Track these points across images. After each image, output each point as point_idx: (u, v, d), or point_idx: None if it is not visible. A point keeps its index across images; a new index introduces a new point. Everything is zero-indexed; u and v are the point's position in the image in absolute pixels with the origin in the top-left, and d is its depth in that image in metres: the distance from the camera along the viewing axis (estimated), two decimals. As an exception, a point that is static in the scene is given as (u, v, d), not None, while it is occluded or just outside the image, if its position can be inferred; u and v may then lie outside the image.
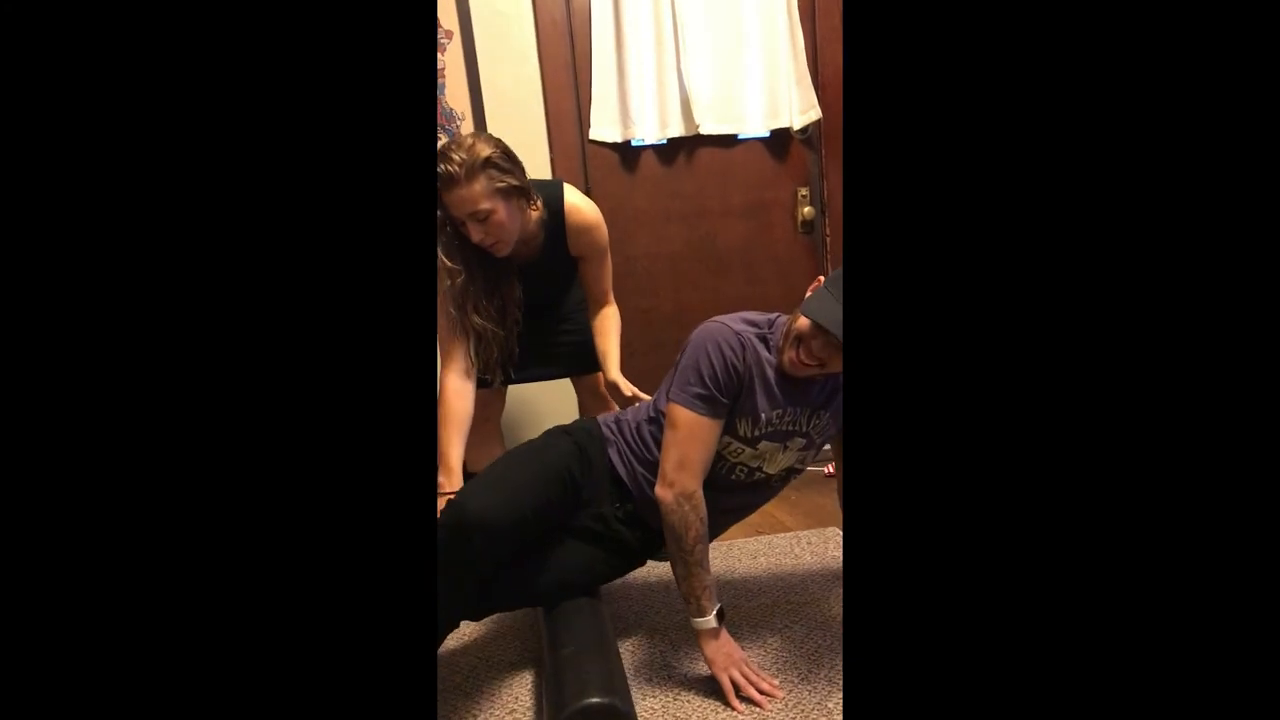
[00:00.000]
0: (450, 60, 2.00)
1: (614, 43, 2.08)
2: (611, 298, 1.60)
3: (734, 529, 1.62)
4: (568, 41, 2.10)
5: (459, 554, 1.08)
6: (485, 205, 1.30)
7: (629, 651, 1.30)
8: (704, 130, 2.14)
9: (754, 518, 1.84)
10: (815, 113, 2.18)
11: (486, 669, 1.31)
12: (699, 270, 2.27)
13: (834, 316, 1.08)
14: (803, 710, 1.11)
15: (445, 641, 1.20)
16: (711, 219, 2.25)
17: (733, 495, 1.28)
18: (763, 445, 1.23)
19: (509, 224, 1.35)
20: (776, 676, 1.19)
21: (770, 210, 2.28)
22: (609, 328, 1.59)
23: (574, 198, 1.48)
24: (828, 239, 2.28)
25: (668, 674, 1.24)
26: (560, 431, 1.31)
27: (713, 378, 1.15)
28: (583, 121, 2.13)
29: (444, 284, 1.38)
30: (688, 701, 1.15)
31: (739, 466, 1.24)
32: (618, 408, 1.64)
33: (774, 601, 1.46)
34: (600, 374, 1.66)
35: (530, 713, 1.18)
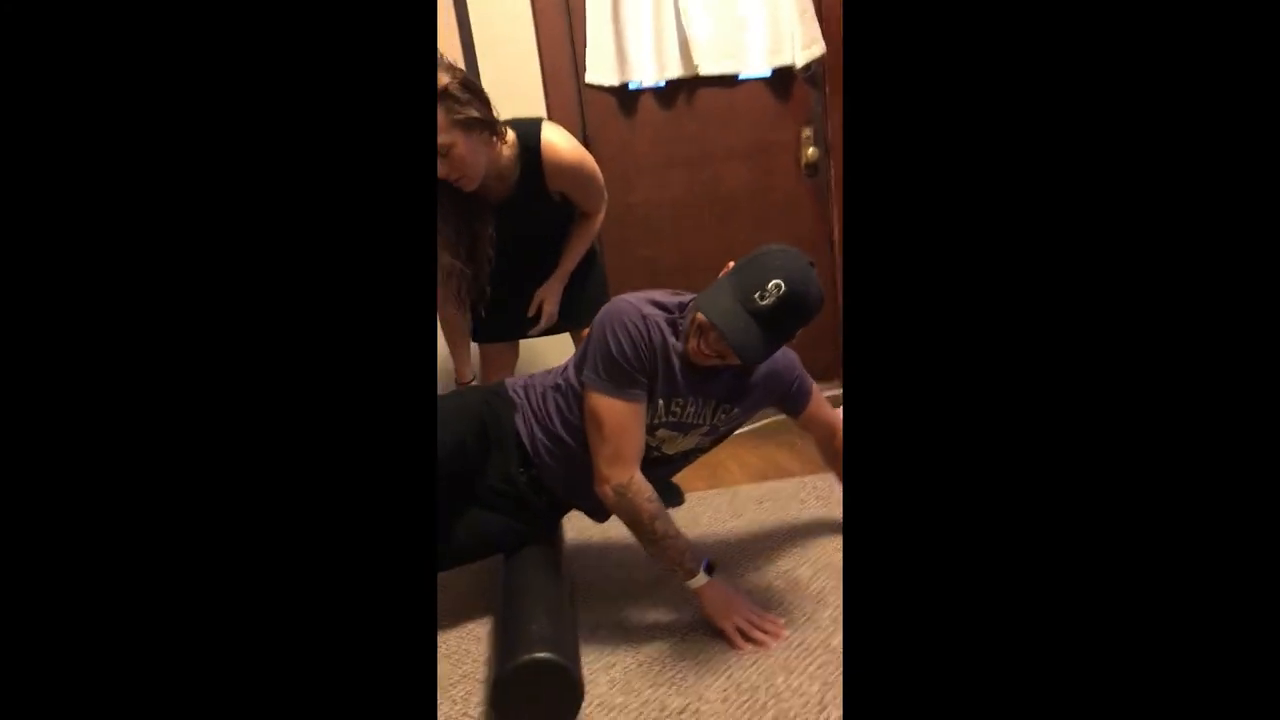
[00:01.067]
0: (440, 4, 1.93)
1: (608, -20, 2.01)
2: (600, 206, 1.56)
3: (738, 475, 1.63)
4: (560, -19, 2.02)
5: None
6: (444, 139, 1.26)
7: (635, 597, 1.32)
8: (703, 71, 2.07)
9: (759, 464, 1.84)
10: (819, 47, 2.11)
11: (446, 619, 1.33)
12: (703, 217, 2.23)
13: (723, 310, 1.04)
14: (806, 649, 1.13)
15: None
16: (714, 163, 2.20)
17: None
18: (661, 433, 1.21)
19: (471, 158, 1.31)
20: (781, 618, 1.21)
21: (774, 153, 2.22)
22: (577, 234, 1.56)
23: (552, 134, 1.42)
24: (833, 180, 2.23)
25: (677, 611, 1.25)
26: (472, 389, 1.39)
27: (626, 360, 1.12)
28: (578, 65, 2.07)
29: None
30: (695, 641, 1.17)
31: None
32: None
33: (779, 544, 1.48)
34: None
35: (483, 666, 1.21)
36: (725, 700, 1.05)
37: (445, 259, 1.43)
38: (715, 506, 1.66)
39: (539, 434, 1.23)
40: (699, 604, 1.19)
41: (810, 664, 1.10)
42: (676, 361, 1.15)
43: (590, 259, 1.66)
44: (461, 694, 1.14)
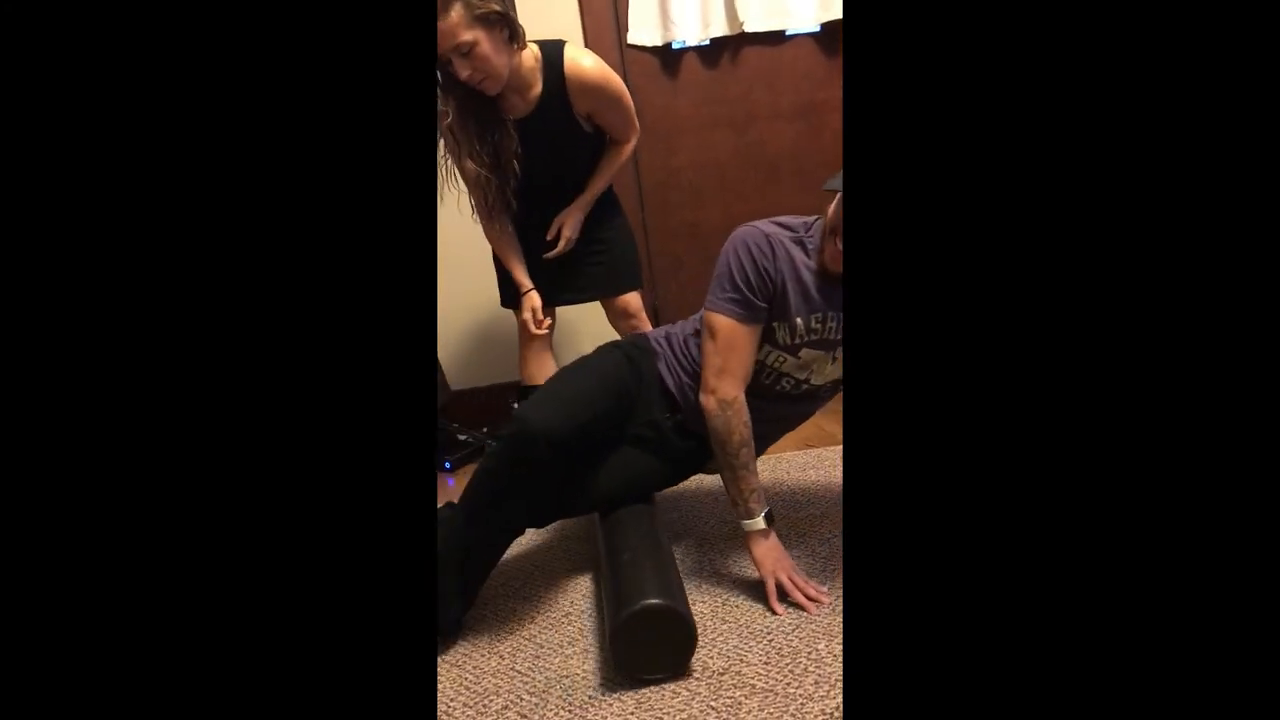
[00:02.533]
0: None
1: (651, -65, 1.95)
2: (630, 135, 1.52)
3: (783, 441, 1.61)
4: (602, -62, 1.98)
5: (522, 464, 1.13)
6: (467, 36, 1.26)
7: (680, 558, 1.33)
8: (749, 28, 2.01)
9: (804, 430, 1.82)
10: None
11: (543, 576, 1.37)
12: (748, 179, 2.18)
13: None
14: (850, 615, 1.12)
15: (506, 551, 1.25)
16: (760, 124, 2.15)
17: (779, 405, 1.27)
18: (805, 354, 1.20)
19: (495, 57, 1.30)
20: (824, 584, 1.20)
21: (822, 112, 2.15)
22: (606, 162, 1.53)
23: (576, 52, 1.41)
24: (884, 140, 2.16)
25: (716, 579, 1.26)
26: (612, 346, 1.35)
27: (745, 281, 1.13)
28: (620, 25, 2.03)
29: (441, 118, 1.37)
30: (736, 605, 1.18)
31: (785, 377, 1.23)
32: (649, 328, 1.62)
33: (823, 512, 1.46)
34: (631, 294, 1.64)
35: (586, 616, 1.23)
36: (767, 664, 1.05)
37: (470, 167, 1.42)
38: (760, 472, 1.66)
39: (684, 378, 1.26)
40: (749, 548, 1.19)
41: (854, 630, 1.09)
42: (809, 277, 1.15)
43: (621, 225, 1.63)
44: (508, 649, 1.16)
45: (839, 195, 1.10)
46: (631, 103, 1.49)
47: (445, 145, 1.43)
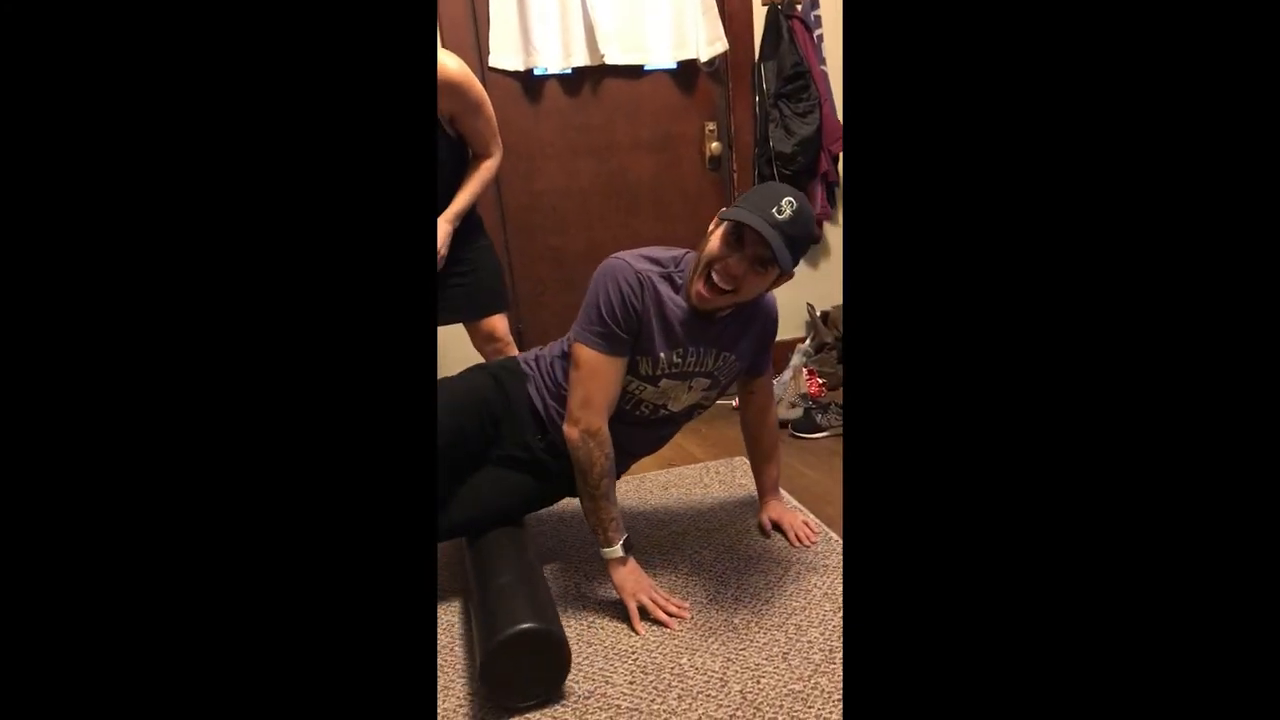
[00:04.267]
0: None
1: (512, -37, 1.97)
2: (493, 150, 1.51)
3: (647, 462, 1.65)
4: (463, -40, 1.97)
5: None
6: None
7: (549, 580, 1.33)
8: (609, 60, 2.08)
9: (666, 451, 1.88)
10: (722, 44, 2.16)
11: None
12: (609, 206, 2.24)
13: (750, 220, 1.06)
14: (710, 628, 1.18)
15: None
16: (620, 153, 2.22)
17: (637, 429, 1.31)
18: (664, 384, 1.25)
19: None
20: (686, 599, 1.25)
21: (679, 145, 2.26)
22: (472, 176, 1.50)
23: (439, 52, 1.39)
24: (735, 175, 2.29)
25: (582, 602, 1.27)
26: (479, 368, 1.37)
27: (611, 315, 1.15)
28: (481, 48, 2.03)
29: None
30: (601, 627, 1.20)
31: (643, 404, 1.27)
32: (515, 351, 1.62)
33: (684, 529, 1.52)
34: (496, 317, 1.62)
35: (461, 640, 1.20)
36: (632, 683, 1.07)
37: None
38: (623, 492, 1.69)
39: (550, 401, 1.28)
40: (610, 574, 1.21)
41: (713, 643, 1.14)
42: (675, 313, 1.18)
43: (486, 247, 1.60)
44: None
45: (719, 229, 1.12)
46: (493, 115, 1.47)
47: None
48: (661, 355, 1.20)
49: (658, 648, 1.14)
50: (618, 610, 1.22)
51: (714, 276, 1.12)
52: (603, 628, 1.20)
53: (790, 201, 1.08)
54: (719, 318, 1.21)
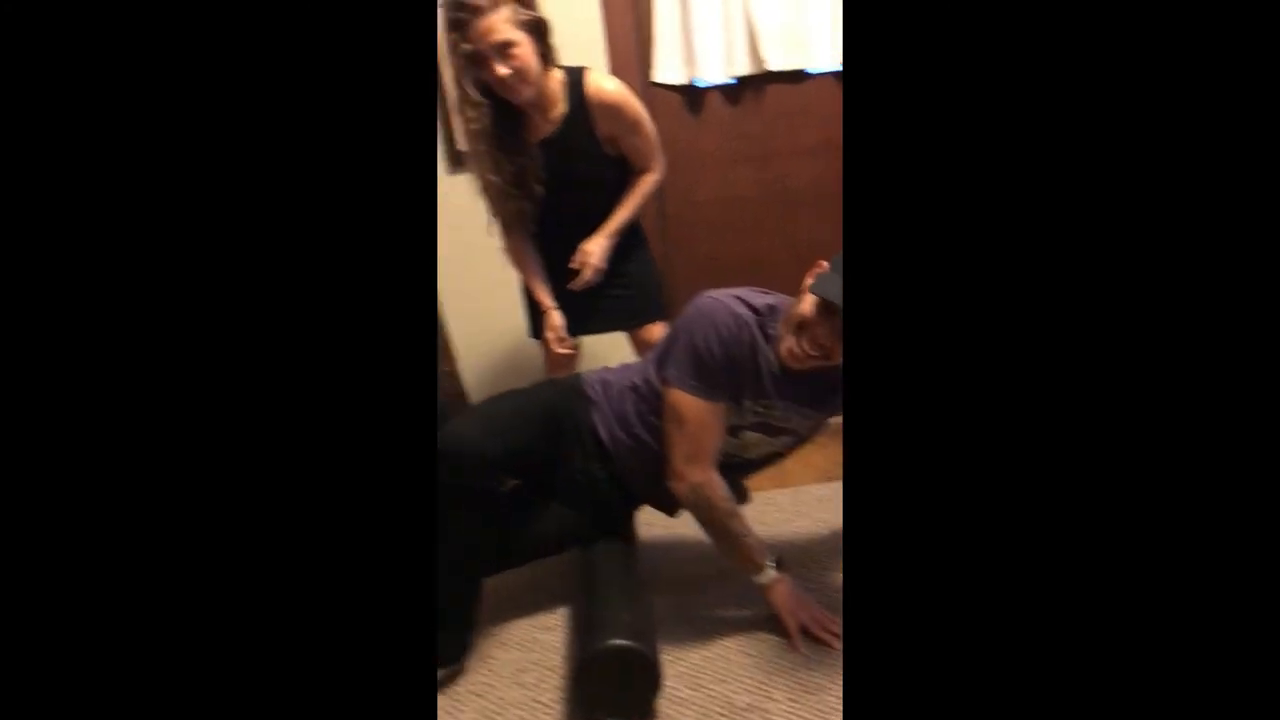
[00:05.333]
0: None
1: (677, -24, 2.01)
2: (654, 165, 1.55)
3: (803, 474, 1.61)
4: (629, -20, 2.04)
5: (450, 487, 1.09)
6: (510, 35, 1.31)
7: (660, 598, 1.34)
8: (772, 66, 2.06)
9: (824, 464, 1.83)
10: (891, 41, 2.06)
11: (564, 602, 1.38)
12: (768, 215, 2.22)
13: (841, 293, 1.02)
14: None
15: (517, 574, 1.27)
16: (781, 160, 2.19)
17: None
18: (745, 435, 1.21)
19: (530, 62, 1.34)
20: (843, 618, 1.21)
21: (840, 150, 2.19)
22: (633, 190, 1.55)
23: (598, 75, 1.46)
24: (903, 176, 2.19)
25: (692, 623, 1.26)
26: (548, 383, 1.35)
27: (710, 359, 1.10)
28: (644, 63, 2.08)
29: (469, 124, 1.40)
30: (762, 640, 1.18)
31: (719, 452, 1.21)
32: None
33: (838, 547, 1.47)
34: (655, 326, 1.65)
35: (558, 654, 1.24)
36: (793, 700, 1.05)
37: (492, 181, 1.44)
38: (780, 506, 1.67)
39: (618, 432, 1.24)
40: (766, 599, 1.20)
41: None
42: (764, 365, 1.13)
43: (645, 258, 1.66)
44: (532, 680, 1.18)
45: (807, 292, 1.08)
46: (654, 131, 1.52)
47: (469, 156, 1.48)
48: (747, 405, 1.16)
49: (819, 665, 1.11)
50: (734, 629, 1.21)
51: (804, 343, 1.07)
52: (762, 640, 1.19)
53: None
54: (810, 374, 1.15)
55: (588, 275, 1.52)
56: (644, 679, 1.03)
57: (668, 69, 2.08)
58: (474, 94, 1.36)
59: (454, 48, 1.32)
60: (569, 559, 1.41)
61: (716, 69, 2.08)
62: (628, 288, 1.62)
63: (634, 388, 1.24)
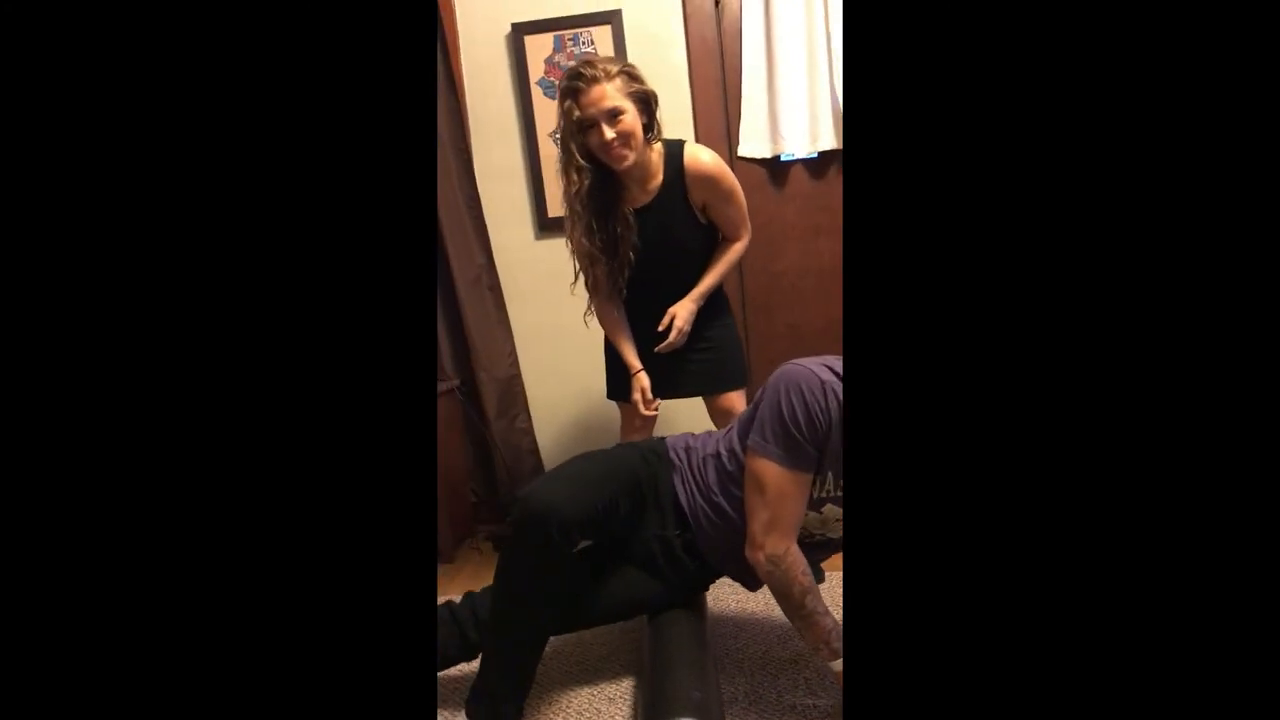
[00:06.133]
0: (605, 86, 2.08)
1: (764, 56, 2.07)
2: (742, 234, 1.60)
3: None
4: (718, 60, 2.12)
5: (527, 545, 1.09)
6: (620, 103, 1.39)
7: (728, 678, 1.28)
8: (857, 141, 2.07)
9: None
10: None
11: (599, 671, 1.34)
12: (849, 285, 2.20)
13: None
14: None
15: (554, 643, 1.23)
16: (864, 232, 2.18)
17: None
18: (828, 509, 1.16)
19: (636, 130, 1.42)
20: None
21: (928, 222, 2.16)
22: (720, 258, 1.60)
23: (695, 148, 1.53)
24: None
25: (762, 708, 1.20)
26: (629, 447, 1.33)
27: (795, 427, 1.07)
28: (731, 139, 2.14)
29: (570, 186, 1.47)
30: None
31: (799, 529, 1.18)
32: None
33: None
34: (734, 394, 1.64)
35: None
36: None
37: (585, 245, 1.51)
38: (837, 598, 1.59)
39: (699, 500, 1.22)
40: (840, 687, 1.13)
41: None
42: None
43: (728, 324, 1.67)
44: None
45: None
46: (744, 200, 1.57)
47: (566, 220, 1.55)
48: (830, 476, 1.12)
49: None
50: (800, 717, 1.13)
51: None
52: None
53: None
54: None
55: (674, 338, 1.54)
56: None
57: (753, 143, 2.13)
58: (579, 159, 1.44)
59: (568, 114, 1.42)
60: (637, 627, 1.36)
61: (801, 144, 2.11)
62: (710, 353, 1.63)
63: (716, 455, 1.22)
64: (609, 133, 1.40)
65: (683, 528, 1.22)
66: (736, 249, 1.60)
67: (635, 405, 1.59)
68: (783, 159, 2.15)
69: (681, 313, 1.54)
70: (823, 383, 1.08)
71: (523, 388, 2.19)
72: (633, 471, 1.22)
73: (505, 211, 2.17)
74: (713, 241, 1.60)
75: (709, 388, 1.67)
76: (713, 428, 1.72)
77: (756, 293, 2.21)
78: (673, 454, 1.27)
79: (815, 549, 1.23)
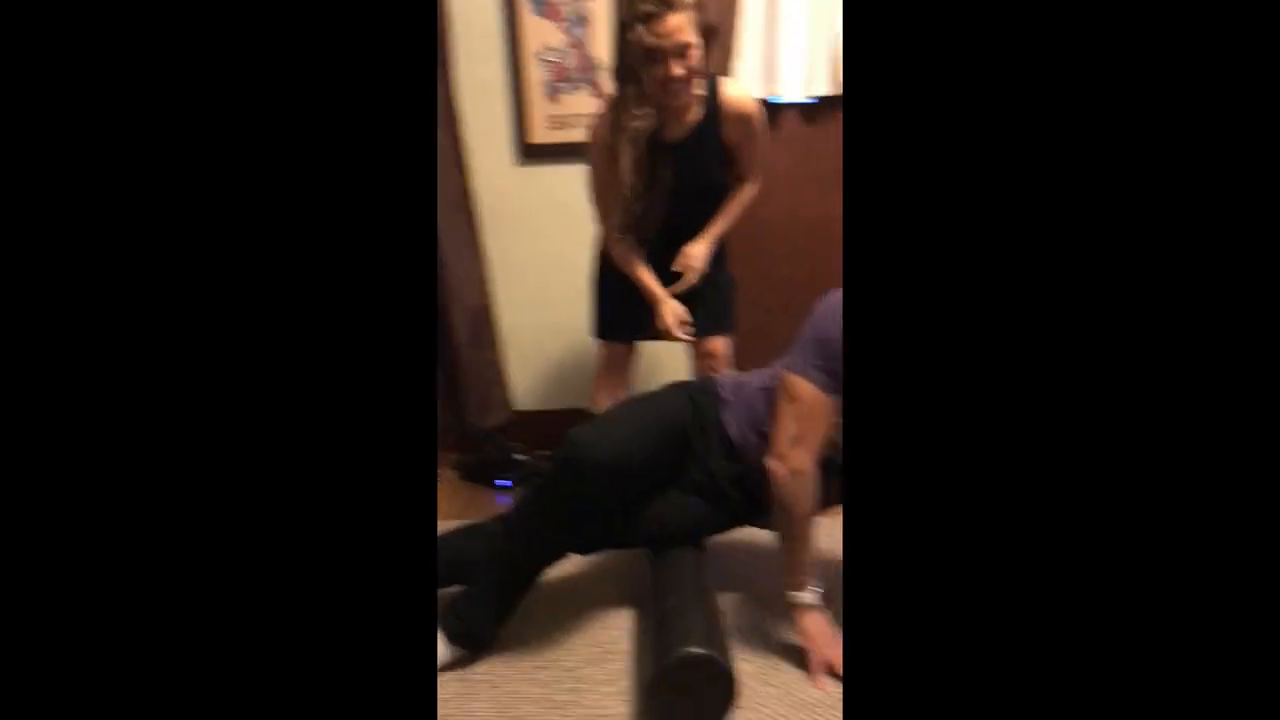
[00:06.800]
0: (598, 10, 1.98)
1: (766, -6, 1.99)
2: (758, 175, 1.58)
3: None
4: (718, -7, 2.03)
5: (568, 488, 1.14)
6: (690, 39, 1.31)
7: (729, 613, 1.31)
8: (854, 88, 2.02)
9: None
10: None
11: (587, 605, 1.37)
12: (835, 234, 2.18)
13: None
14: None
15: (547, 572, 1.26)
16: (852, 184, 2.15)
17: (836, 479, 1.26)
18: None
19: (700, 68, 1.35)
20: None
21: (918, 177, 2.14)
22: (735, 199, 1.58)
23: (732, 83, 1.50)
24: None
25: (764, 640, 1.23)
26: (678, 386, 1.37)
27: (832, 350, 1.11)
28: (725, 75, 2.07)
29: (628, 120, 1.37)
30: (784, 671, 1.15)
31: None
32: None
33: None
34: (720, 339, 1.63)
35: (626, 656, 1.22)
36: None
37: (633, 180, 1.42)
38: (834, 536, 1.63)
39: (749, 432, 1.25)
40: (795, 620, 1.16)
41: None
42: None
43: (725, 271, 1.64)
44: (616, 691, 1.16)
45: None
46: (766, 143, 1.55)
47: (596, 152, 1.47)
48: None
49: (838, 705, 1.07)
50: (802, 657, 1.17)
51: None
52: (784, 672, 1.15)
53: None
54: None
55: (691, 279, 1.52)
56: (721, 690, 1.02)
57: (746, 83, 2.06)
58: (652, 90, 1.34)
59: (638, 41, 1.30)
60: (634, 559, 1.41)
61: (795, 88, 2.05)
62: (705, 296, 1.61)
63: (764, 389, 1.26)
64: (678, 69, 1.31)
65: (731, 459, 1.26)
66: (751, 192, 1.58)
67: (669, 331, 1.54)
68: (773, 101, 2.09)
69: (699, 254, 1.52)
70: None
71: (493, 318, 2.16)
72: (681, 420, 1.26)
73: (482, 135, 2.08)
74: (730, 182, 1.57)
75: (700, 330, 1.65)
76: (693, 370, 1.72)
77: (743, 239, 2.17)
78: (723, 390, 1.32)
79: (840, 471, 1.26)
